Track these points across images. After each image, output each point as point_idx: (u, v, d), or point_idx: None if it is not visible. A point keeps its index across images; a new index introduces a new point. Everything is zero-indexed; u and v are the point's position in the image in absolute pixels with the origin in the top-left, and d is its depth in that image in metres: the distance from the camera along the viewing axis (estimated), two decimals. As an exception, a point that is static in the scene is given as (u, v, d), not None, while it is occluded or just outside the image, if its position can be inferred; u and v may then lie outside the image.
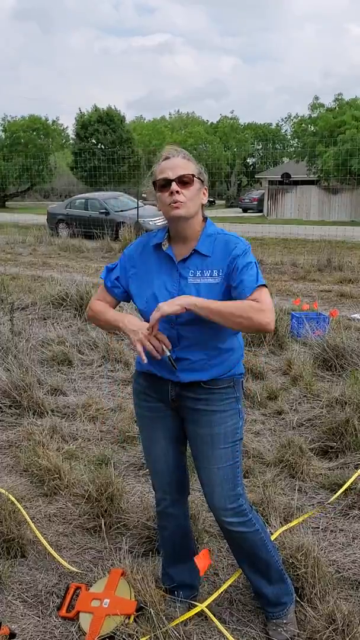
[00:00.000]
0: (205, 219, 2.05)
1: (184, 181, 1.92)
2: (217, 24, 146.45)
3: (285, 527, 2.75)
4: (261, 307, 1.84)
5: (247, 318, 1.82)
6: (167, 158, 1.96)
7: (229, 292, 1.93)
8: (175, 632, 2.14)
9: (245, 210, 36.08)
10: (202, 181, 2.00)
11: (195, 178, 1.95)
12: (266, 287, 1.91)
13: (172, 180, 1.91)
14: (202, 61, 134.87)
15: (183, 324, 1.95)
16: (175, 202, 1.92)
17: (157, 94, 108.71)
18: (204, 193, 2.01)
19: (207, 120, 54.51)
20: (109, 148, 36.04)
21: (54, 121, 41.68)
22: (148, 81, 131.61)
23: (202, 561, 2.13)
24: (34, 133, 38.86)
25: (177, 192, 1.91)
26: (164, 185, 1.93)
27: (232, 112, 72.21)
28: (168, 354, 1.91)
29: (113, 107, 37.80)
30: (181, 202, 1.92)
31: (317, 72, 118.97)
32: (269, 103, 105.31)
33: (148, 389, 2.14)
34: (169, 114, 59.48)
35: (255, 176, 41.82)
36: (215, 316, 1.84)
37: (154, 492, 2.32)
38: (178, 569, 2.31)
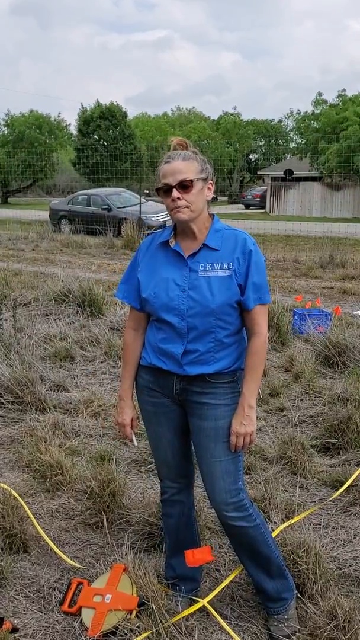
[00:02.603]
0: (212, 215, 2.09)
1: (185, 185, 1.94)
2: (217, 20, 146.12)
3: (286, 524, 2.76)
4: (261, 342, 2.05)
5: (263, 362, 2.09)
6: (167, 162, 1.98)
7: (239, 287, 2.00)
8: (177, 628, 2.15)
9: (247, 206, 35.99)
10: (206, 178, 2.01)
11: (196, 181, 1.96)
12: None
13: (173, 187, 1.94)
14: (202, 57, 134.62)
15: (193, 316, 1.99)
16: (177, 208, 1.96)
17: (157, 89, 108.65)
18: (208, 188, 2.04)
19: (209, 117, 54.38)
20: (111, 144, 35.98)
21: (56, 119, 41.58)
22: (148, 77, 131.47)
23: (197, 554, 2.13)
24: (38, 130, 38.77)
25: (179, 198, 1.94)
26: (166, 190, 1.97)
27: (234, 108, 71.56)
28: (135, 442, 2.33)
29: (115, 103, 37.71)
30: (183, 208, 1.96)
31: (316, 68, 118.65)
32: (269, 99, 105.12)
33: (152, 383, 2.16)
34: (171, 110, 59.27)
35: (258, 172, 41.72)
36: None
37: (158, 483, 2.34)
38: (180, 560, 2.32)
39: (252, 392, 2.04)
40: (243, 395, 2.04)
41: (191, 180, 1.95)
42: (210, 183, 2.04)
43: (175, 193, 1.94)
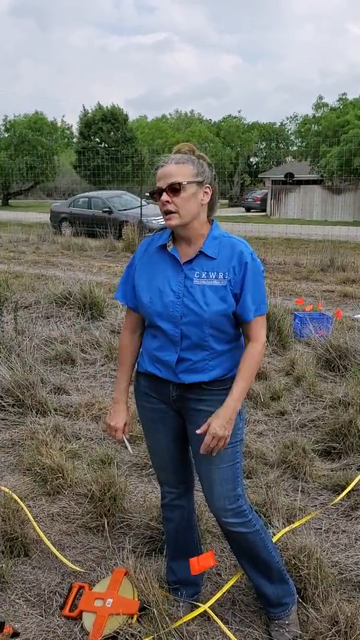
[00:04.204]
0: (211, 221, 2.05)
1: (174, 189, 1.90)
2: (217, 23, 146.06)
3: (288, 528, 2.75)
4: (260, 349, 2.02)
5: (257, 367, 2.04)
6: (162, 166, 1.95)
7: (234, 297, 1.97)
8: (178, 633, 2.14)
9: (248, 209, 36.03)
10: (202, 182, 1.95)
11: (186, 184, 1.91)
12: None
13: (163, 190, 1.91)
14: (202, 60, 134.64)
15: (186, 324, 1.97)
16: (166, 214, 1.93)
17: (157, 92, 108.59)
18: (205, 192, 1.97)
19: (210, 120, 54.45)
20: (112, 147, 36.02)
21: (53, 122, 41.70)
22: (148, 79, 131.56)
23: (201, 561, 2.13)
24: (38, 132, 38.82)
25: (168, 201, 1.91)
26: (157, 195, 1.94)
27: (239, 112, 71.31)
28: (129, 448, 2.29)
29: (116, 106, 37.79)
30: (172, 213, 1.93)
31: (316, 71, 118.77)
32: (269, 101, 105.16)
33: (149, 389, 2.15)
34: (170, 114, 59.26)
35: (259, 175, 41.77)
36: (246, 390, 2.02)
37: (159, 487, 2.33)
38: (181, 563, 2.32)
39: (241, 395, 1.98)
40: (232, 396, 1.96)
41: (179, 184, 1.90)
42: (208, 187, 1.98)
43: (165, 196, 1.90)
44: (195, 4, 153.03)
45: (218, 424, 1.95)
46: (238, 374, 2.00)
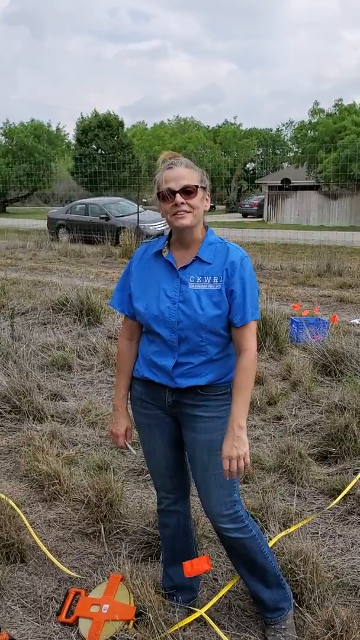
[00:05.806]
0: (206, 227, 2.08)
1: (188, 191, 1.94)
2: (212, 30, 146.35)
3: (284, 533, 2.75)
4: (251, 359, 1.97)
5: (252, 379, 1.99)
6: (170, 167, 1.97)
7: (228, 302, 1.98)
8: (175, 638, 2.14)
9: (245, 215, 36.13)
10: (205, 187, 2.02)
11: (199, 188, 1.96)
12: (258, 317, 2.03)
13: (177, 192, 1.93)
14: (198, 67, 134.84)
15: (183, 329, 1.98)
16: (179, 213, 1.94)
17: (153, 98, 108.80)
18: (206, 199, 2.04)
19: (207, 126, 54.66)
20: (109, 153, 36.15)
21: (57, 128, 41.95)
22: (144, 86, 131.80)
23: (195, 565, 2.13)
24: (37, 139, 38.93)
25: (182, 203, 1.93)
26: (168, 196, 1.95)
27: (235, 118, 71.63)
28: (132, 451, 2.36)
29: (111, 113, 37.96)
30: (186, 213, 1.95)
31: (311, 77, 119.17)
32: (264, 107, 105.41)
33: (145, 395, 2.16)
34: (168, 120, 59.54)
35: (256, 181, 41.91)
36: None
37: (155, 493, 2.34)
38: (177, 569, 2.31)
39: (242, 412, 1.94)
40: (232, 416, 1.94)
41: (195, 186, 1.95)
42: (207, 194, 2.04)
43: (179, 198, 1.93)
44: (189, 11, 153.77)
45: (228, 446, 1.93)
46: (234, 394, 1.97)
